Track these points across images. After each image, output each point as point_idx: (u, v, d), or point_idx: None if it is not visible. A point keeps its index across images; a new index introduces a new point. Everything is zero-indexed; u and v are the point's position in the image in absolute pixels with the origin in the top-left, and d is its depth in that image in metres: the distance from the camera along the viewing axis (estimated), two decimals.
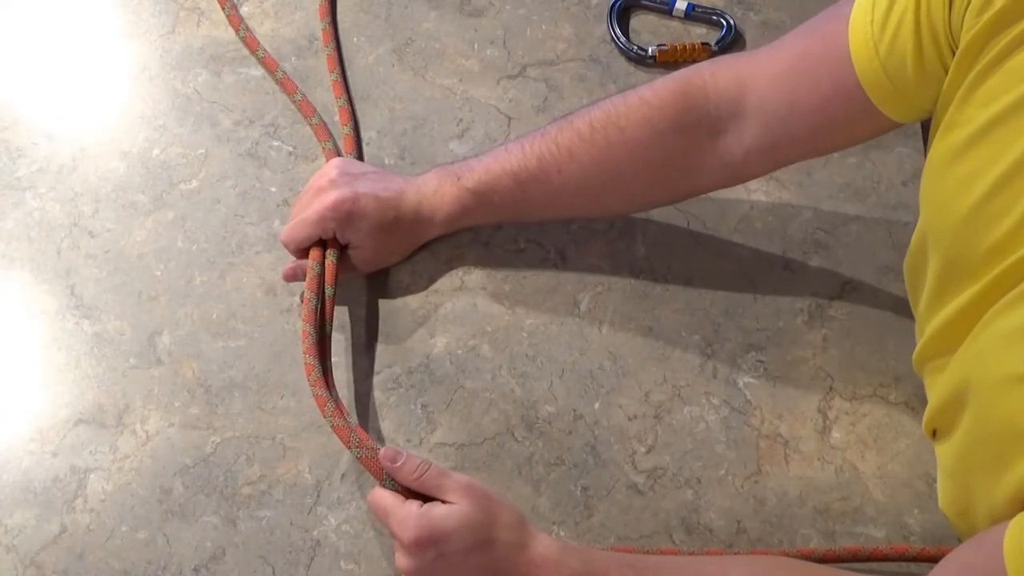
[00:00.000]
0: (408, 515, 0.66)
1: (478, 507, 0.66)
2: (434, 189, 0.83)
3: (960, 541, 0.68)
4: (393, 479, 0.69)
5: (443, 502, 0.67)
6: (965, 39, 0.60)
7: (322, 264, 0.80)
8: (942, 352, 0.68)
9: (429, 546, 0.65)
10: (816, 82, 0.70)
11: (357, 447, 0.70)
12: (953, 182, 0.63)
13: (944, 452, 0.69)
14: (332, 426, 0.72)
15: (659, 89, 0.77)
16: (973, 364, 0.63)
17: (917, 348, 0.71)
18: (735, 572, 0.68)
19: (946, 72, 0.63)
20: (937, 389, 0.69)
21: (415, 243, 0.85)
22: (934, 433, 0.71)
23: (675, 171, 0.78)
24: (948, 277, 0.65)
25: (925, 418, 0.70)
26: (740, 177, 0.80)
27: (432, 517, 0.66)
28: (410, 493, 0.69)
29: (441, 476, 0.68)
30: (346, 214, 0.79)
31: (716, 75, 0.75)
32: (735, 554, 0.72)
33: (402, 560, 0.67)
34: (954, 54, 0.62)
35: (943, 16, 0.62)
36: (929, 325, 0.69)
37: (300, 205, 0.83)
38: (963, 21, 0.61)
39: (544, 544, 0.67)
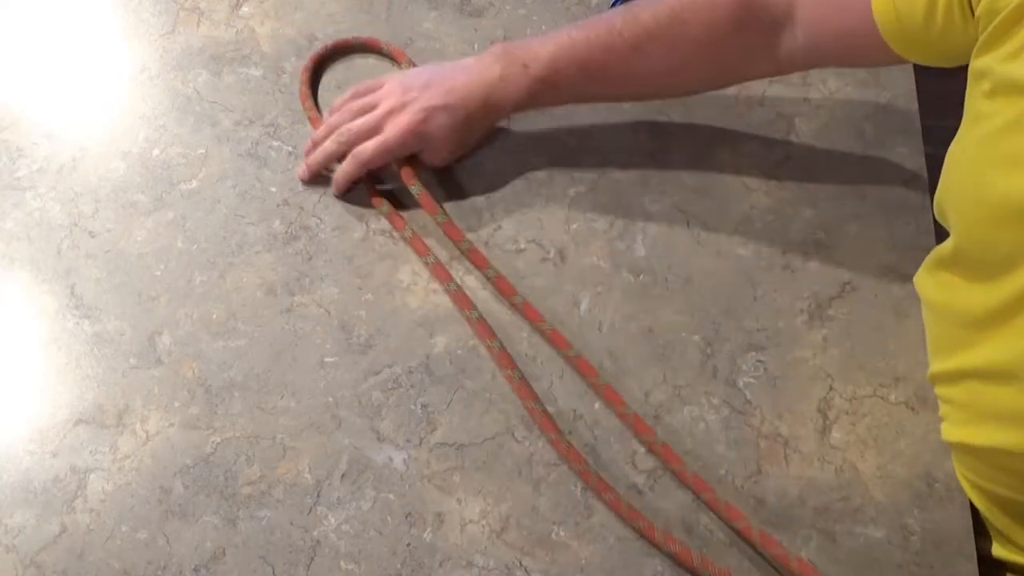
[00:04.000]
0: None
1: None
2: (499, 76, 0.85)
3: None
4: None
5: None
6: (991, 25, 0.62)
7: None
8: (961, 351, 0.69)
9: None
10: (843, 11, 0.77)
11: None
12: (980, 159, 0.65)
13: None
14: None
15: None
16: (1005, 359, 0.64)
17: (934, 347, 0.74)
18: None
19: (961, 30, 0.67)
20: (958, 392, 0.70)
21: (486, 131, 0.91)
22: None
23: (731, 64, 0.86)
24: (976, 271, 0.67)
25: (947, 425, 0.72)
26: (783, 71, 0.87)
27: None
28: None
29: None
30: (421, 135, 0.86)
31: None
32: None
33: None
34: (964, 18, 0.66)
35: None
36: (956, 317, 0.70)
37: (362, 123, 0.87)
38: None
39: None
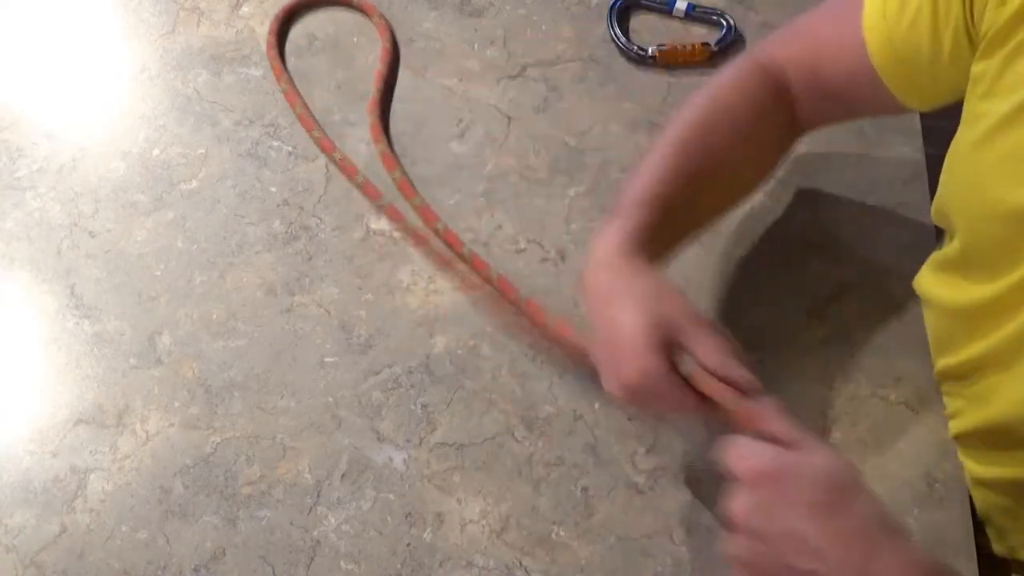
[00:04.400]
0: (756, 449, 0.57)
1: (842, 465, 0.56)
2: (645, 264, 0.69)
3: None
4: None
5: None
6: (992, 30, 0.62)
7: None
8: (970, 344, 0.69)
9: (772, 482, 0.55)
10: (835, 68, 0.74)
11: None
12: (989, 164, 0.64)
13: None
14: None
15: (745, 76, 0.78)
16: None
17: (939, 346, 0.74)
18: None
19: (964, 63, 0.65)
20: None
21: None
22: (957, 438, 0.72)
23: (779, 134, 0.80)
24: (981, 266, 0.67)
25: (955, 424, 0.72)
26: (804, 132, 0.83)
27: (786, 454, 0.56)
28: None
29: (804, 436, 0.58)
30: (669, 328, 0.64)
31: (772, 56, 0.79)
32: None
33: (735, 502, 0.56)
34: (972, 45, 0.64)
35: (961, 10, 0.64)
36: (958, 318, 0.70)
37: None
38: (984, 14, 0.62)
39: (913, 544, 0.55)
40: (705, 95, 0.77)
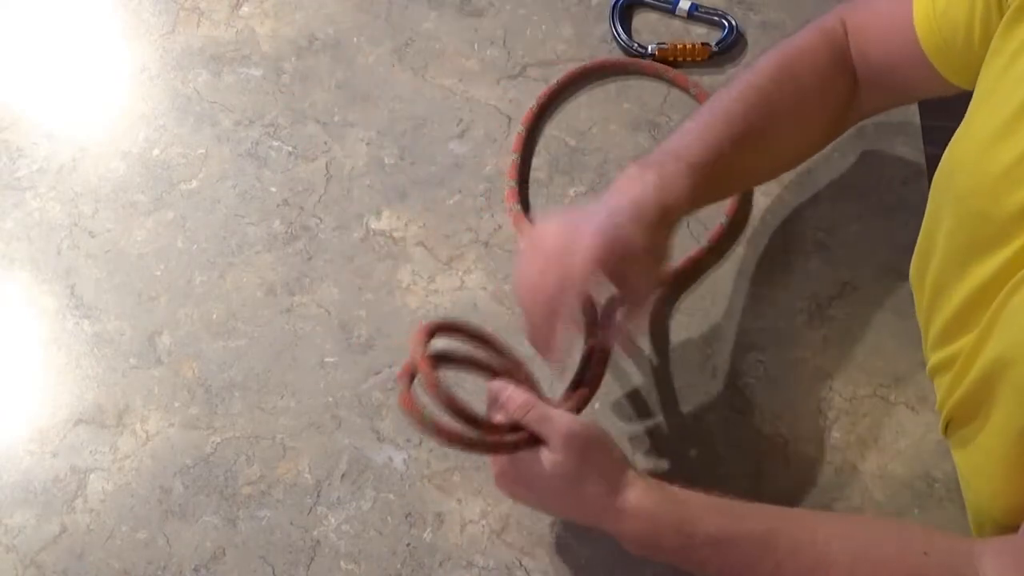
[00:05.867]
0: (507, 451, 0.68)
1: (571, 457, 0.65)
2: (658, 177, 0.71)
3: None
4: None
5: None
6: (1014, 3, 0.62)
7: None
8: (960, 334, 0.67)
9: (515, 483, 0.68)
10: (886, 45, 0.75)
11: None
12: (987, 143, 0.63)
13: (979, 443, 0.68)
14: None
15: (815, 43, 0.78)
16: (1004, 339, 0.62)
17: (931, 337, 0.72)
18: (835, 529, 0.67)
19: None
20: (955, 378, 0.68)
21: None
22: (947, 428, 0.71)
23: (839, 111, 0.81)
24: (969, 249, 0.65)
25: (945, 411, 0.70)
26: (864, 115, 0.84)
27: (518, 460, 0.66)
28: None
29: (542, 421, 0.65)
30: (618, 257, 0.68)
31: (837, 28, 0.79)
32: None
33: (498, 482, 0.69)
34: (1001, 14, 0.64)
35: None
36: (946, 307, 0.69)
37: (537, 286, 0.69)
38: None
39: (637, 493, 0.65)
40: (775, 60, 0.78)
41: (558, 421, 0.65)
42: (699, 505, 0.66)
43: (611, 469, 0.66)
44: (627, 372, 0.80)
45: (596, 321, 0.73)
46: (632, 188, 0.70)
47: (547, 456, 0.65)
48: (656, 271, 0.72)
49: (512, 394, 0.67)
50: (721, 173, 0.74)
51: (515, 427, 0.66)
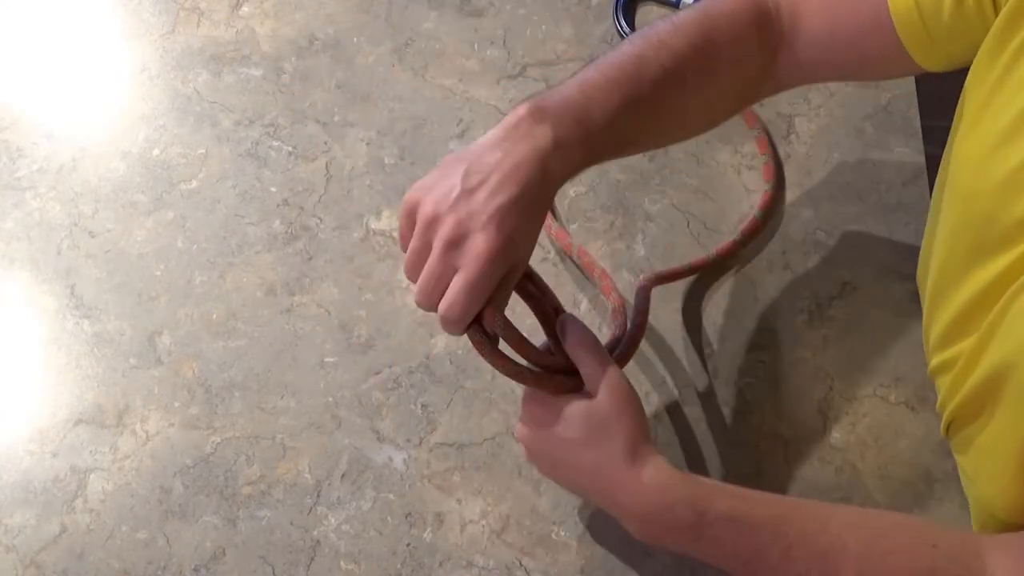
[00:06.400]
0: (535, 397, 0.69)
1: (609, 404, 0.66)
2: (552, 140, 0.67)
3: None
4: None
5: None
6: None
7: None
8: (961, 337, 0.67)
9: (544, 423, 0.68)
10: (855, 14, 0.73)
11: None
12: (991, 146, 0.63)
13: (982, 444, 0.68)
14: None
15: (740, 11, 0.75)
16: (1007, 343, 0.62)
17: (933, 338, 0.71)
18: (847, 519, 0.66)
19: (983, 26, 0.64)
20: (956, 380, 0.68)
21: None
22: (948, 428, 0.70)
23: (752, 85, 0.78)
24: (972, 251, 0.65)
25: (947, 413, 0.70)
26: (779, 89, 0.81)
27: (555, 399, 0.67)
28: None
29: (600, 362, 0.67)
30: (508, 251, 0.64)
31: None
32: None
33: (521, 430, 0.70)
34: (995, 8, 0.63)
35: None
36: (947, 309, 0.68)
37: (425, 281, 0.65)
38: None
39: (655, 466, 0.66)
40: (697, 23, 0.74)
41: (612, 368, 0.68)
42: (713, 486, 0.68)
43: (638, 433, 0.67)
44: (627, 372, 0.80)
45: (543, 290, 0.72)
46: (527, 148, 0.66)
47: (586, 400, 0.67)
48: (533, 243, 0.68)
49: (583, 328, 0.69)
50: (615, 140, 0.71)
51: (568, 370, 0.68)
